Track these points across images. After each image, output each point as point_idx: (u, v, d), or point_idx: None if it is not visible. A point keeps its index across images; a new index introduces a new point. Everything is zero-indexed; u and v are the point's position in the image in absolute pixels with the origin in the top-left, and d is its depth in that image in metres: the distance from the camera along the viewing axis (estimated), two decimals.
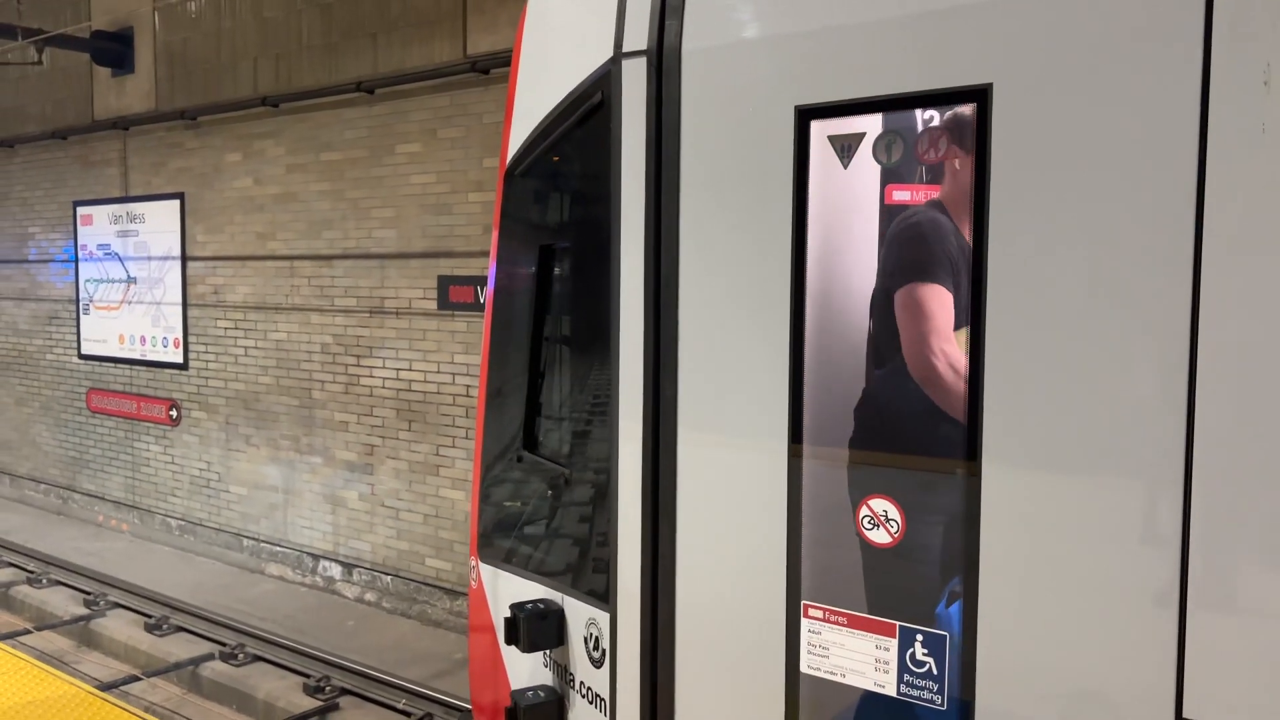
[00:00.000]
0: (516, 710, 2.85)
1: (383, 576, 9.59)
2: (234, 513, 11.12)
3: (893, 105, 2.12)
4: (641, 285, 2.48)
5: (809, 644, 2.27)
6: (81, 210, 12.84)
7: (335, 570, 10.03)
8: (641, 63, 2.48)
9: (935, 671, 2.11)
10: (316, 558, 10.21)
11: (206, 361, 11.31)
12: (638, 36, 2.50)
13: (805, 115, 2.21)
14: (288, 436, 10.48)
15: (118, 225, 12.32)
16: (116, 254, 12.38)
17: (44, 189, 13.42)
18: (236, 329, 10.96)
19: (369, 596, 9.70)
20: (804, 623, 2.28)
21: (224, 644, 8.16)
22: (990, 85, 1.97)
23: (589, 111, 2.71)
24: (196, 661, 7.91)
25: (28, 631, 8.75)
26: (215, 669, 7.82)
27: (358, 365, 9.75)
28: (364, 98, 9.39)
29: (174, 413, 11.75)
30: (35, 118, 13.24)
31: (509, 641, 2.91)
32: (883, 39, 2.13)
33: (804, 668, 2.28)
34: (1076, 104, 1.90)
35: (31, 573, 10.22)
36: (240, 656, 7.96)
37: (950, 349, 2.09)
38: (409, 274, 9.26)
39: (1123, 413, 1.87)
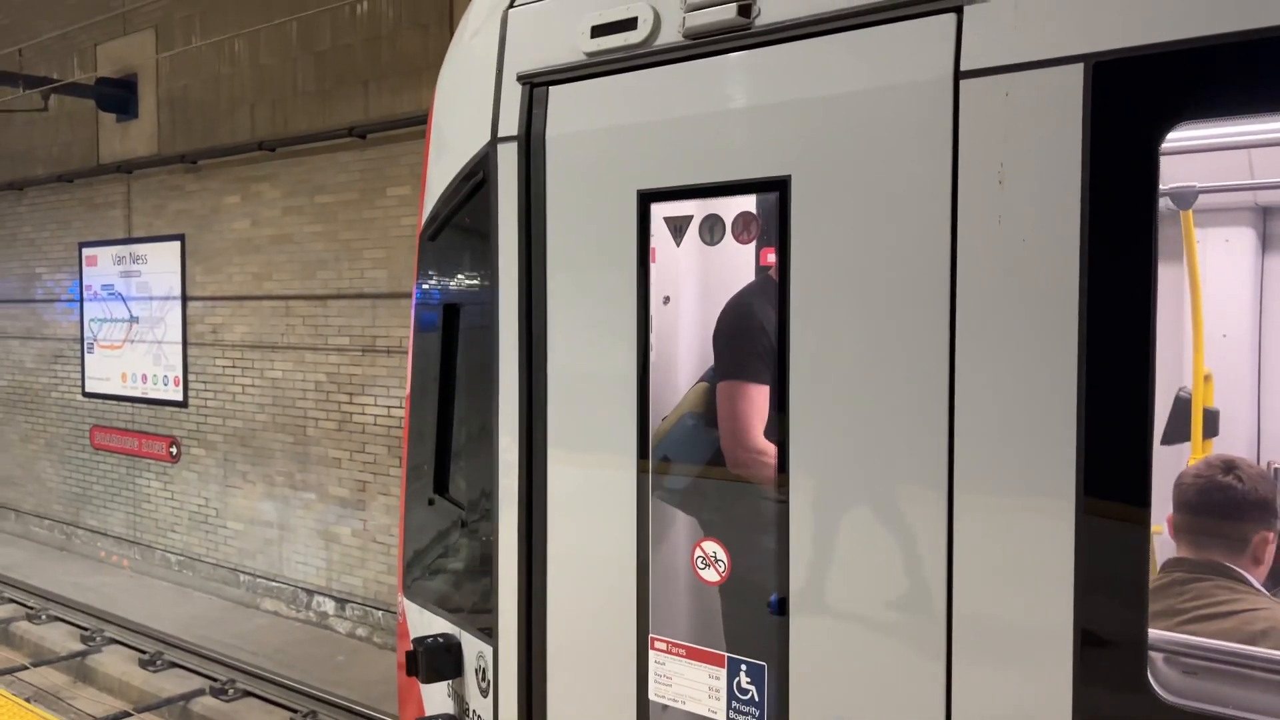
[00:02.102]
0: None
1: (374, 612, 9.70)
2: (231, 548, 11.27)
3: (711, 192, 2.50)
4: (516, 342, 2.87)
5: (655, 674, 2.62)
6: (86, 251, 13.12)
7: (329, 605, 10.15)
8: (513, 147, 2.87)
9: (757, 699, 2.46)
10: (310, 593, 10.33)
11: (205, 399, 11.52)
12: (510, 123, 2.90)
13: (645, 198, 2.60)
14: (283, 473, 10.65)
15: (121, 266, 12.60)
16: (120, 294, 12.64)
17: (50, 230, 13.73)
18: (234, 367, 11.16)
19: (360, 631, 9.81)
20: (651, 654, 2.63)
21: (215, 679, 8.28)
22: (789, 176, 2.35)
23: (474, 188, 3.08)
24: (187, 697, 8.03)
25: (24, 667, 8.89)
26: (205, 704, 7.93)
27: (350, 403, 9.93)
28: (356, 142, 9.64)
29: (174, 449, 11.94)
30: (43, 161, 13.58)
31: (409, 673, 3.21)
32: (707, 132, 2.51)
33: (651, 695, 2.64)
34: (856, 194, 2.27)
35: (31, 609, 10.37)
36: (230, 692, 8.07)
37: (760, 444, 2.45)
38: (400, 313, 9.46)
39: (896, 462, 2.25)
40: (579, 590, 2.76)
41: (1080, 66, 1.99)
